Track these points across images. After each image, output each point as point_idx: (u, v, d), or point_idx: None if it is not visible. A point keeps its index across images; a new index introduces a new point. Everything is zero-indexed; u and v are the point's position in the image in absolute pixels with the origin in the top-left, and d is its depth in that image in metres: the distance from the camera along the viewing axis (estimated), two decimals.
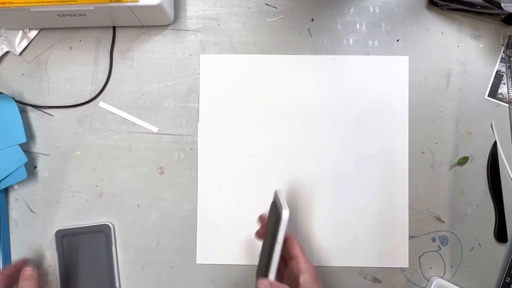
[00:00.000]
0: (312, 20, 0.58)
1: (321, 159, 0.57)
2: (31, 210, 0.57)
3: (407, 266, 0.56)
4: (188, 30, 0.58)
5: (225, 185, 0.56)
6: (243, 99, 0.57)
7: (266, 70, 0.57)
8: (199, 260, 0.56)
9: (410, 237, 0.56)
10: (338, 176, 0.56)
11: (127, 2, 0.48)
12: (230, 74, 0.57)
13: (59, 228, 0.56)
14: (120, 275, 0.56)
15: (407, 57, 0.57)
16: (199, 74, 0.57)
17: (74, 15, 0.51)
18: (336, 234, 0.56)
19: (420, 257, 0.56)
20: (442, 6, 0.57)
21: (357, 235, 0.56)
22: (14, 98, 0.55)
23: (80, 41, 0.58)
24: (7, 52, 0.57)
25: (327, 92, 0.57)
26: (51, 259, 0.56)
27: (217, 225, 0.56)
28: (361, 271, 0.56)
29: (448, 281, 0.56)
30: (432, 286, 0.54)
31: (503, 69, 0.57)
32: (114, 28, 0.57)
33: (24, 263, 0.51)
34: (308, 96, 0.57)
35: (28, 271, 0.47)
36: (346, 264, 0.56)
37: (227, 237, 0.56)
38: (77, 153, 0.57)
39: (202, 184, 0.56)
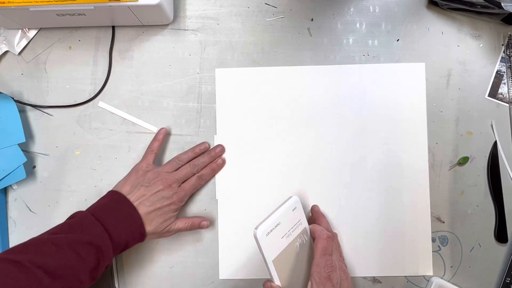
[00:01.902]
0: (312, 20, 0.57)
1: (335, 168, 0.56)
2: (30, 210, 0.57)
3: (432, 274, 0.56)
4: (187, 30, 0.57)
5: (242, 200, 0.56)
6: (258, 111, 0.56)
7: (280, 81, 0.56)
8: (222, 276, 0.56)
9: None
10: (355, 185, 0.56)
11: (126, 1, 0.48)
12: (244, 87, 0.57)
13: None
14: (119, 275, 0.56)
15: (423, 63, 0.57)
16: (198, 74, 0.57)
17: (73, 14, 0.51)
18: (356, 244, 0.56)
19: None
20: (442, 5, 0.57)
21: (377, 244, 0.56)
22: (13, 98, 0.55)
23: (79, 40, 0.58)
24: (6, 52, 0.57)
25: (344, 101, 0.56)
26: None
27: (238, 238, 0.56)
28: None
29: (448, 281, 0.55)
30: (432, 287, 0.54)
31: (503, 69, 0.57)
32: (113, 27, 0.57)
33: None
34: (324, 105, 0.56)
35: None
36: (366, 274, 0.56)
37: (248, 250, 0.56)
38: (76, 153, 0.57)
39: (221, 199, 0.56)
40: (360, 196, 0.56)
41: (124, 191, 0.49)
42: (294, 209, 0.48)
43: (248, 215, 0.56)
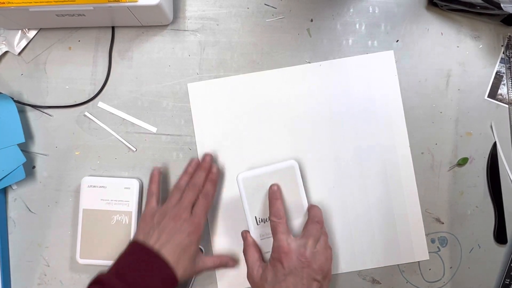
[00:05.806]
0: (312, 21, 0.57)
1: (320, 165, 0.56)
2: (29, 210, 0.57)
3: (428, 259, 0.56)
4: (187, 30, 0.58)
5: (233, 208, 0.56)
6: (238, 117, 0.56)
7: (255, 87, 0.57)
8: None
9: None
10: (342, 180, 0.56)
11: (126, 2, 0.48)
12: (220, 97, 0.57)
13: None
14: None
15: (392, 51, 0.57)
16: (198, 74, 0.57)
17: (73, 15, 0.51)
18: (346, 238, 0.56)
19: None
20: (441, 6, 0.57)
21: (368, 237, 0.56)
22: (13, 98, 0.55)
23: (79, 41, 0.58)
24: (6, 52, 0.57)
25: (320, 99, 0.56)
26: (49, 258, 0.56)
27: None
28: (360, 272, 0.56)
29: (448, 282, 0.55)
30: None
31: (503, 69, 0.57)
32: (113, 28, 0.57)
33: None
34: (301, 106, 0.56)
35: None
36: (361, 267, 0.56)
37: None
38: (76, 153, 0.57)
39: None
40: (344, 192, 0.56)
41: (140, 240, 0.48)
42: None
43: (240, 224, 0.55)
